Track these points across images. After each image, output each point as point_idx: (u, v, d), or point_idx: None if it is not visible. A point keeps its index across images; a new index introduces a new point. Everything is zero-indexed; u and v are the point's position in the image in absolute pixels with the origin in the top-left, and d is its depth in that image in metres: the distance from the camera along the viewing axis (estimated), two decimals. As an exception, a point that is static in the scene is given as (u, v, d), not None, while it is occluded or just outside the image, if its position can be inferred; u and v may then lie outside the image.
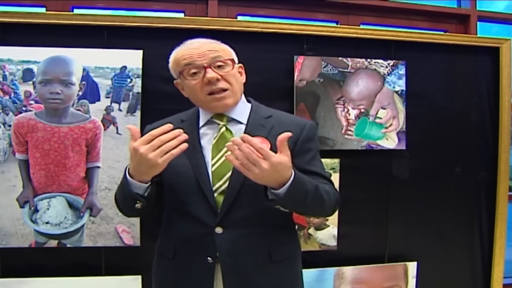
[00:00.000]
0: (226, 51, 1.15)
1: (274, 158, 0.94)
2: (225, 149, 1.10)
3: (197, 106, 1.21)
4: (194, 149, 1.12)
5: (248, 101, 1.24)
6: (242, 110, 1.19)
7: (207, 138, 1.16)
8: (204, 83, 1.10)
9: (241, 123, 1.17)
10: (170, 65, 1.19)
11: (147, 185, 1.05)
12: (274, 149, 1.06)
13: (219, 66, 1.12)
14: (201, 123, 1.18)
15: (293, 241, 1.23)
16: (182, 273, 1.13)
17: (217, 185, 1.10)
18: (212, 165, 1.11)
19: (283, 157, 0.95)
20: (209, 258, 1.09)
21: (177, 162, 1.09)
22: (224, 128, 1.15)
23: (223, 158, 1.10)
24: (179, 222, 1.15)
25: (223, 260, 1.09)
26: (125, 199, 1.08)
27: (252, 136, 1.08)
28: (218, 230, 1.09)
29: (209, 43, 1.14)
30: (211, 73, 1.09)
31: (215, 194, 1.10)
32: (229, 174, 1.10)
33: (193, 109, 1.23)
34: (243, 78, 1.21)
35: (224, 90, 1.11)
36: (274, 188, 0.98)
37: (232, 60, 1.15)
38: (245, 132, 1.14)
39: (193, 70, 1.11)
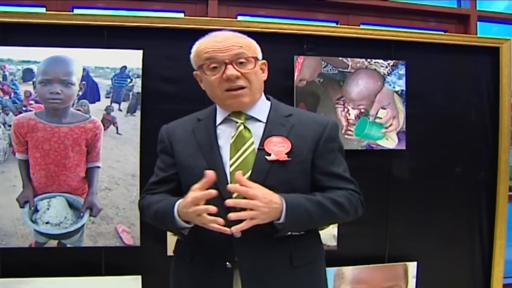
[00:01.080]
0: (250, 47, 1.10)
1: (260, 195, 0.96)
2: (243, 148, 1.08)
3: (214, 105, 1.17)
4: (211, 149, 1.09)
5: (268, 98, 1.19)
6: (261, 108, 1.14)
7: (225, 137, 1.11)
8: (223, 79, 1.06)
9: (260, 121, 1.12)
10: (191, 55, 1.14)
11: (191, 225, 1.06)
12: (294, 149, 1.06)
13: (241, 63, 1.07)
14: (218, 121, 1.14)
15: (315, 244, 1.17)
16: (200, 277, 1.09)
17: None
18: (231, 165, 1.07)
19: (262, 190, 0.98)
20: (227, 263, 1.05)
21: (194, 164, 1.08)
22: (242, 127, 1.10)
23: (242, 158, 1.07)
24: (197, 226, 1.09)
25: (242, 265, 1.05)
26: (164, 227, 1.11)
27: (272, 135, 1.08)
28: (237, 234, 1.03)
29: (235, 37, 1.09)
30: (231, 70, 1.05)
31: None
32: (249, 174, 1.05)
33: (210, 108, 1.19)
34: (264, 76, 1.16)
35: (242, 87, 1.07)
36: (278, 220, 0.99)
37: (255, 58, 1.10)
38: (264, 131, 1.10)
39: (214, 65, 1.07)
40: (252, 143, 1.08)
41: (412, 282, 1.90)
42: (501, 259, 1.99)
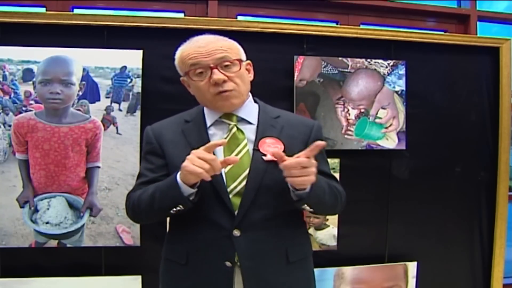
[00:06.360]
0: (233, 49, 1.11)
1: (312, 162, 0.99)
2: (238, 149, 1.09)
3: (201, 105, 1.18)
4: None
5: (255, 100, 1.21)
6: (251, 109, 1.16)
7: (217, 139, 1.10)
8: (211, 84, 1.07)
9: (250, 123, 1.14)
10: (176, 62, 1.15)
11: (194, 190, 1.02)
12: (286, 149, 1.07)
13: (226, 66, 1.08)
14: (208, 123, 1.14)
15: (306, 241, 1.21)
16: (198, 279, 1.08)
17: (231, 186, 1.07)
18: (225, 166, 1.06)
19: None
20: (227, 262, 1.06)
21: None
22: (235, 128, 1.12)
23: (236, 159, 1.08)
24: (191, 226, 1.10)
25: (243, 263, 1.05)
26: (163, 204, 1.05)
27: (264, 136, 1.10)
28: (236, 232, 1.05)
29: (216, 41, 1.10)
30: (218, 75, 1.06)
31: (230, 196, 1.06)
32: (245, 174, 1.07)
33: (196, 109, 1.20)
34: (250, 76, 1.17)
35: (231, 90, 1.08)
36: (299, 190, 1.02)
37: (240, 60, 1.11)
38: (256, 133, 1.12)
39: (199, 70, 1.08)
40: (246, 144, 1.10)
41: (412, 282, 1.90)
42: (501, 259, 1.99)
